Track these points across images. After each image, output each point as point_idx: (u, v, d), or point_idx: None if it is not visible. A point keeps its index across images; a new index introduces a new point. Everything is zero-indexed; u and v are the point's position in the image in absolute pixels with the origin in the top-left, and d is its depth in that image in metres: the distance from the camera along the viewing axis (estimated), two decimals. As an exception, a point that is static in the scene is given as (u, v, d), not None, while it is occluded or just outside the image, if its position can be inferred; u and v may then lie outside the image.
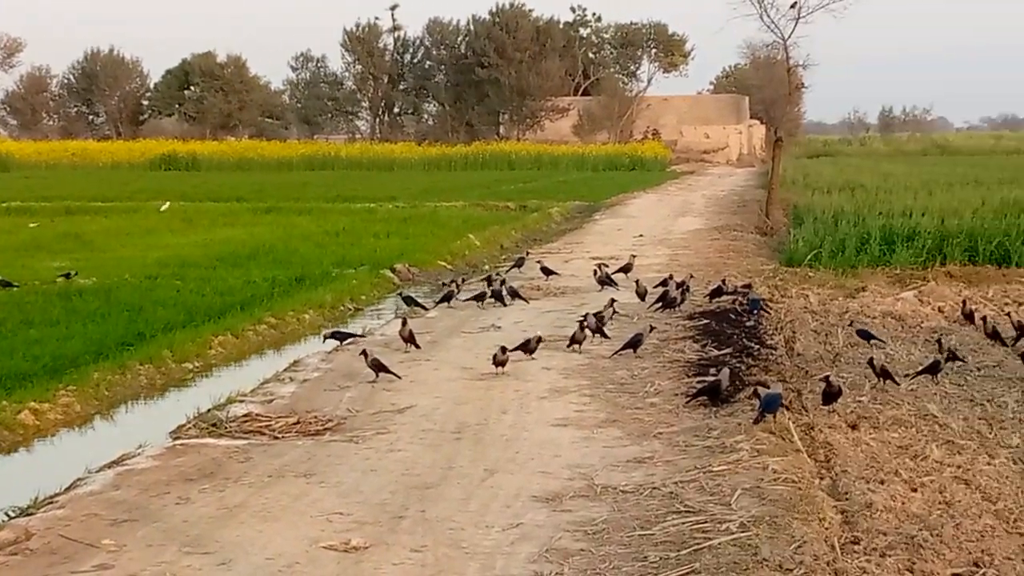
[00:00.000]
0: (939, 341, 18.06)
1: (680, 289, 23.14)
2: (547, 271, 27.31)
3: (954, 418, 14.64)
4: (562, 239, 38.56)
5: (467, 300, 23.73)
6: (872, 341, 19.31)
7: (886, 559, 9.73)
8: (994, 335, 19.93)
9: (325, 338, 19.67)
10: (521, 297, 23.89)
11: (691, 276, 25.03)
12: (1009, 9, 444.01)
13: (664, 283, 23.91)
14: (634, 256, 28.57)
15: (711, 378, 15.71)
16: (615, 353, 18.34)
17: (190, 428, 14.43)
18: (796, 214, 37.67)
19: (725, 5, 43.42)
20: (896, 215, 33.52)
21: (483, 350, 18.47)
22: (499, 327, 21.27)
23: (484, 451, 13.23)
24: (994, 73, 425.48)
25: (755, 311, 21.76)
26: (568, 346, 18.74)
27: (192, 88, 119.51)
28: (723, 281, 24.33)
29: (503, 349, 17.39)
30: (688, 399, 15.29)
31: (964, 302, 22.90)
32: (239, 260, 28.80)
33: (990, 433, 14.07)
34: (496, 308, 23.19)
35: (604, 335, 19.35)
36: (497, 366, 17.22)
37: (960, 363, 17.07)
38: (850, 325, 21.08)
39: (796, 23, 42.27)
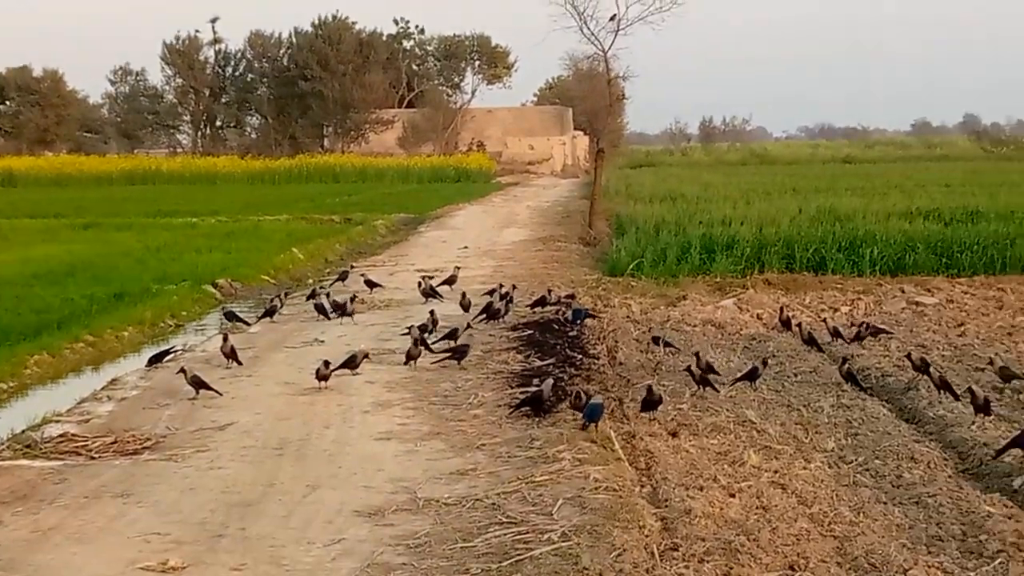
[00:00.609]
0: (696, 354, 17.97)
1: (504, 300, 23.23)
2: (371, 284, 27.22)
3: (771, 423, 14.92)
4: (387, 252, 38.49)
5: (334, 311, 23.57)
6: (668, 348, 19.66)
7: (704, 565, 9.86)
8: (810, 341, 20.39)
9: (148, 364, 19.24)
10: (346, 311, 23.76)
11: (514, 287, 25.11)
12: (823, 22, 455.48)
13: (492, 293, 24.02)
14: (458, 268, 28.65)
15: (534, 389, 15.80)
16: (436, 361, 18.34)
17: (3, 450, 14.08)
18: (619, 224, 38.10)
19: (546, 17, 43.71)
20: (716, 224, 34.07)
21: (306, 365, 18.33)
22: (322, 341, 21.14)
23: (306, 467, 13.13)
24: (811, 84, 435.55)
25: (578, 321, 21.92)
26: (405, 363, 18.59)
27: (7, 103, 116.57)
28: (548, 291, 24.50)
29: (326, 363, 17.29)
30: (511, 410, 15.35)
31: (782, 309, 23.40)
32: (56, 277, 28.21)
33: (806, 438, 14.37)
34: (320, 322, 23.06)
35: (428, 348, 19.30)
36: (320, 380, 17.11)
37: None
38: (648, 331, 21.45)
39: (615, 35, 42.62)
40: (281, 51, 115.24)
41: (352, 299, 23.81)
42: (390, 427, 14.82)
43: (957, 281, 28.33)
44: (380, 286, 27.47)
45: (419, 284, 26.23)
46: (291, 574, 9.86)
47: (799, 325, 21.71)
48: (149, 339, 22.49)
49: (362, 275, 28.45)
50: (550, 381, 15.78)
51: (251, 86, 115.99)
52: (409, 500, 11.72)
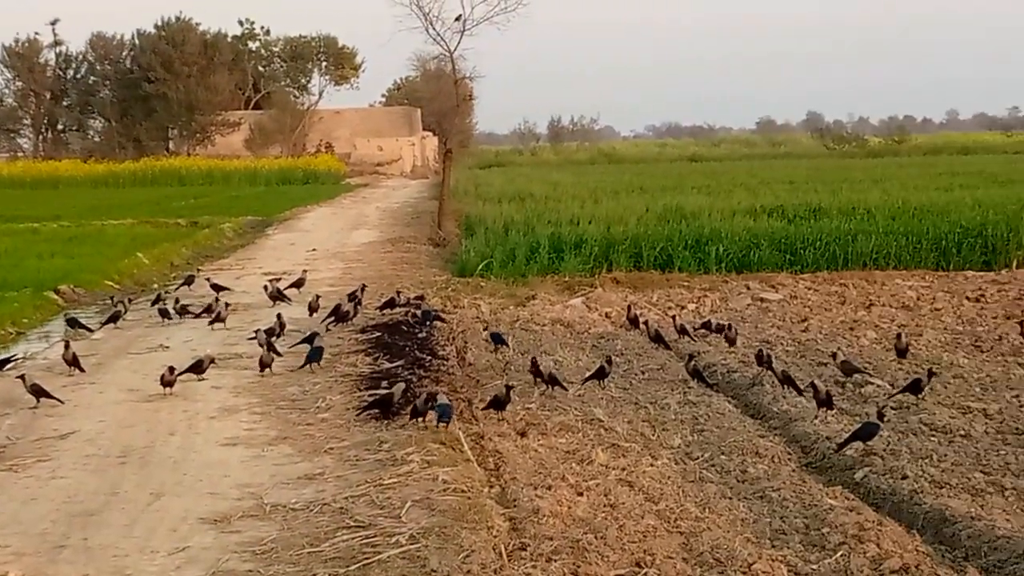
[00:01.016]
0: (533, 360, 17.68)
1: (353, 302, 23.15)
2: (217, 287, 26.87)
3: (619, 421, 15.05)
4: (234, 255, 38.06)
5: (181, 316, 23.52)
6: (501, 346, 19.95)
7: (551, 564, 9.88)
8: (657, 339, 20.58)
9: None
10: (191, 314, 23.53)
11: (363, 288, 24.99)
12: (665, 23, 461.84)
13: (353, 296, 23.96)
14: (306, 271, 28.45)
15: (383, 391, 15.76)
16: (301, 367, 18.17)
17: None
18: (468, 225, 38.14)
19: (392, 18, 43.61)
20: (564, 223, 34.33)
21: (151, 371, 18.05)
22: (167, 347, 20.86)
23: (150, 474, 12.92)
24: (658, 84, 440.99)
25: (428, 322, 21.90)
26: (261, 371, 18.28)
27: None
28: (397, 293, 24.43)
29: (171, 369, 17.06)
30: (359, 412, 15.26)
31: (629, 307, 23.62)
32: None
33: (653, 435, 14.53)
34: (165, 327, 22.77)
35: (276, 351, 19.11)
36: (165, 387, 16.88)
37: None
38: (485, 329, 21.60)
39: (461, 36, 42.63)
40: (124, 53, 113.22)
41: (226, 304, 23.52)
42: (236, 432, 14.66)
43: (800, 277, 28.87)
44: (227, 289, 27.14)
45: (265, 288, 26.02)
46: (135, 584, 9.72)
47: (646, 323, 21.95)
48: (-11, 348, 22.00)
49: (207, 279, 28.13)
50: (401, 385, 15.71)
51: (93, 89, 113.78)
52: (256, 506, 11.60)
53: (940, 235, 31.04)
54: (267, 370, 18.35)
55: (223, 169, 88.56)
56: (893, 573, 9.84)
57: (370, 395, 16.15)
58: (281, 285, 26.37)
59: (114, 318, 23.04)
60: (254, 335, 20.02)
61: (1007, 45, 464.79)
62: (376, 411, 15.12)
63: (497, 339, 20.20)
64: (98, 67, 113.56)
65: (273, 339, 19.66)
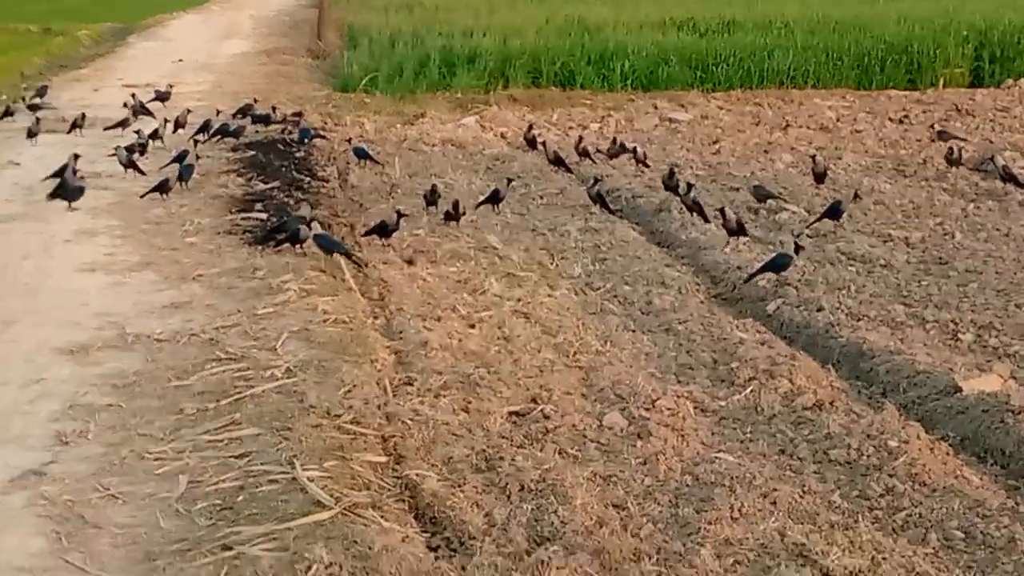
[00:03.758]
0: (429, 190, 17.41)
1: (249, 117, 22.96)
2: (34, 107, 25.94)
3: (514, 249, 15.08)
4: (92, 65, 37.16)
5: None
6: (366, 160, 20.36)
7: (440, 399, 9.93)
8: (557, 161, 20.53)
9: None
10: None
11: (256, 100, 24.52)
12: None
13: (245, 112, 23.62)
14: (171, 85, 27.94)
15: (259, 214, 15.53)
16: (145, 194, 17.50)
17: None
18: (351, 35, 37.61)
19: None
20: (457, 35, 33.92)
21: (1, 190, 17.76)
22: (18, 164, 20.43)
23: (1, 302, 12.72)
24: None
25: (306, 141, 21.67)
26: (154, 193, 17.44)
27: None
28: (273, 108, 24.08)
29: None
30: (262, 242, 14.89)
31: (530, 127, 23.50)
32: None
33: (551, 264, 14.60)
34: (14, 142, 22.28)
35: (139, 170, 18.77)
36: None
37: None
38: (348, 141, 21.56)
39: None
40: None
41: (83, 116, 23.14)
42: (95, 257, 14.43)
43: (712, 96, 28.98)
44: (46, 108, 26.25)
45: (125, 103, 25.45)
46: (-16, 419, 9.60)
47: (544, 144, 21.89)
48: None
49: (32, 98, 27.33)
50: (311, 231, 15.03)
51: None
52: (117, 336, 11.48)
53: (862, 52, 31.14)
54: (129, 171, 18.53)
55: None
56: (806, 409, 10.00)
57: (243, 218, 16.07)
58: (144, 99, 25.84)
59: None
60: (114, 151, 19.64)
61: None
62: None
63: (361, 154, 20.35)
64: None
65: (134, 156, 19.30)
